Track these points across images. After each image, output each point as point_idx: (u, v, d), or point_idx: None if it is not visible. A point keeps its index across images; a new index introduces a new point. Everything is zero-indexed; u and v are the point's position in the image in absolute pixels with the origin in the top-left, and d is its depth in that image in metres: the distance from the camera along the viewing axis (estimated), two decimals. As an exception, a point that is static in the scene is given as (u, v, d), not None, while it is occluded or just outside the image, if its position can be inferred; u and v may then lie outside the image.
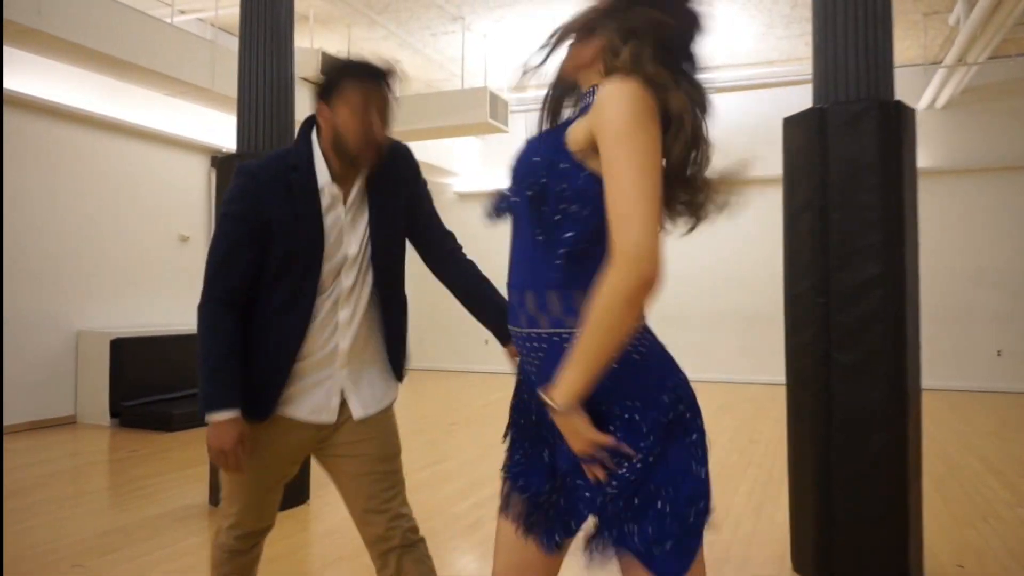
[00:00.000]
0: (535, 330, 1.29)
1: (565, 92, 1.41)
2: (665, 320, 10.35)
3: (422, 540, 1.98)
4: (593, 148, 1.21)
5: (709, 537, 1.26)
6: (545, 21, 8.29)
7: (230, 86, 6.82)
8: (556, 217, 1.23)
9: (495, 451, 5.55)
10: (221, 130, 8.25)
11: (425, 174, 2.07)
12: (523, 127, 9.43)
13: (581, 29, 1.34)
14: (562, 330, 1.26)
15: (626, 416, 1.24)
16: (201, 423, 1.81)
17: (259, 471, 1.91)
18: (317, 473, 4.39)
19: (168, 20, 6.76)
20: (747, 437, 5.98)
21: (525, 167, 1.27)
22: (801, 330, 3.07)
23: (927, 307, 8.33)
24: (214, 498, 4.02)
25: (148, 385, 6.83)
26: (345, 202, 1.88)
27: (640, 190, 1.14)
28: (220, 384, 1.80)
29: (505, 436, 1.46)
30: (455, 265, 2.04)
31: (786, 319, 3.19)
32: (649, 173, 1.15)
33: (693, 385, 1.31)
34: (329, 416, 1.89)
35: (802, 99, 3.53)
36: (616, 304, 1.14)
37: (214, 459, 1.79)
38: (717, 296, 10.05)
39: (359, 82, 1.81)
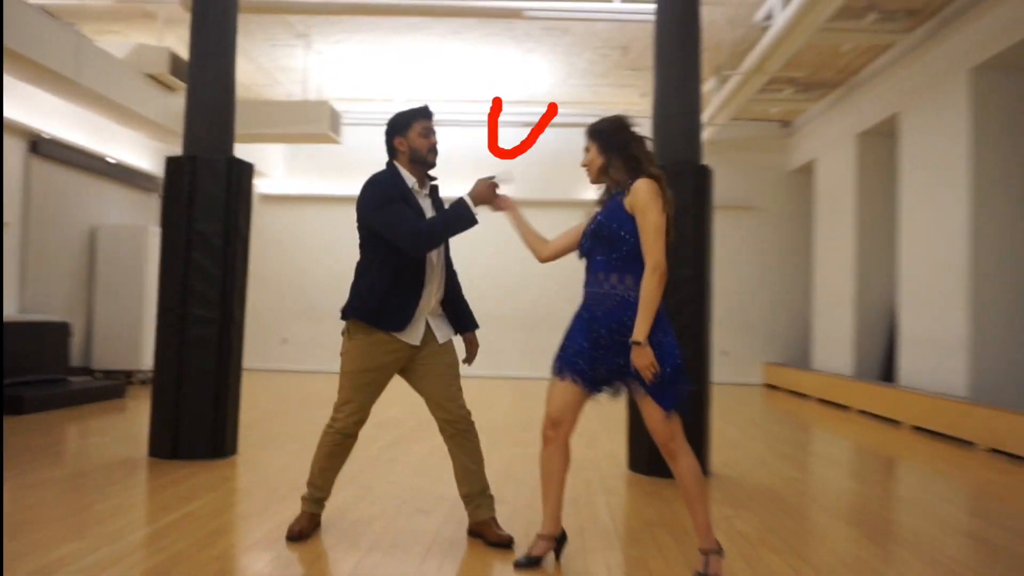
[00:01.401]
0: (610, 291, 2.66)
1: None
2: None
3: (474, 424, 3.11)
4: (634, 212, 2.67)
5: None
6: (378, 47, 9.28)
7: (96, 80, 7.00)
8: (624, 246, 2.64)
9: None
10: (41, 113, 8.10)
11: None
12: (354, 138, 10.23)
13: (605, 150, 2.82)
14: (621, 292, 2.65)
15: (659, 339, 2.61)
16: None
17: (372, 378, 2.99)
18: (245, 427, 5.10)
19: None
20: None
21: (609, 224, 2.71)
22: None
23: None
24: (154, 450, 4.61)
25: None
26: (420, 198, 3.09)
27: (658, 234, 2.57)
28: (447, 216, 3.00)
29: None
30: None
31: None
32: (660, 228, 2.61)
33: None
34: (417, 340, 3.03)
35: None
36: (656, 288, 2.59)
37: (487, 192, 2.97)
38: (529, 300, 11.66)
39: (422, 118, 3.05)
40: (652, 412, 2.64)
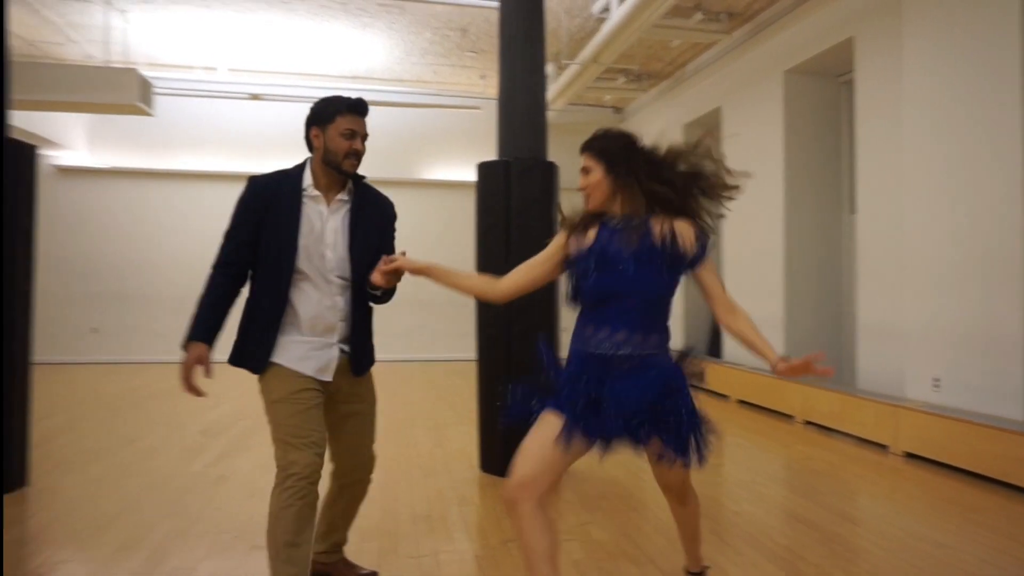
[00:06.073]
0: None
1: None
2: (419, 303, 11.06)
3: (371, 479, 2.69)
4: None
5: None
6: (193, 12, 8.47)
7: None
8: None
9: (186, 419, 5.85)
10: None
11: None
12: (167, 110, 9.35)
13: None
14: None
15: None
16: None
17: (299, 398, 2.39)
18: (40, 456, 4.48)
19: None
20: (442, 398, 7.26)
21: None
22: (487, 307, 4.41)
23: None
24: None
25: None
26: (328, 204, 2.45)
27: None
28: (197, 325, 2.36)
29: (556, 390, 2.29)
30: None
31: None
32: None
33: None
34: (328, 376, 2.43)
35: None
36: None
37: (181, 375, 2.33)
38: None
39: (352, 114, 2.44)
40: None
